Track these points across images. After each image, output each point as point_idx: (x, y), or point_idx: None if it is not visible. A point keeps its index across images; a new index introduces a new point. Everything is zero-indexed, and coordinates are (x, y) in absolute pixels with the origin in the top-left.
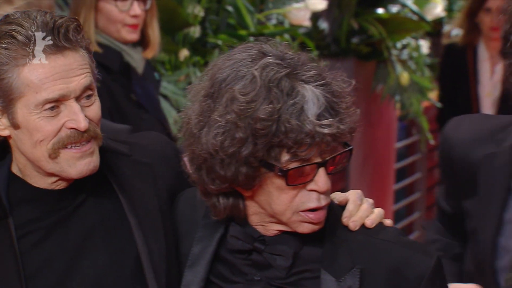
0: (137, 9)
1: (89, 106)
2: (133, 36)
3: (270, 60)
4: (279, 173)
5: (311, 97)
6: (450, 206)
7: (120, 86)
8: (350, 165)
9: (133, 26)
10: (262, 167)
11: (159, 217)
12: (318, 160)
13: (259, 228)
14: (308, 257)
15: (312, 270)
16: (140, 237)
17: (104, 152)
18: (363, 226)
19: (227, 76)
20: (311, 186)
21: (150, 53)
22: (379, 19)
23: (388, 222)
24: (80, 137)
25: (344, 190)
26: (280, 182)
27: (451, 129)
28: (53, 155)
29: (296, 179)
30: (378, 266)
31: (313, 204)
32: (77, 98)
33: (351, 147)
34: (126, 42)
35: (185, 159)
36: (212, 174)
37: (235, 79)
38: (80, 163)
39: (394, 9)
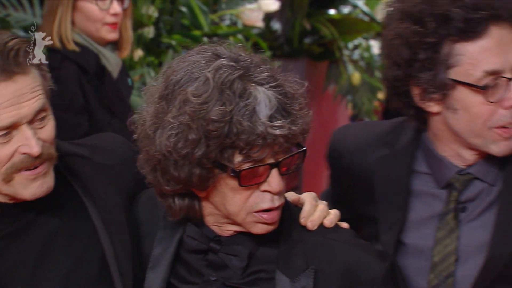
0: (117, 7)
1: (42, 127)
2: (113, 35)
3: (224, 62)
4: (232, 174)
5: (263, 98)
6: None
7: (93, 88)
8: (303, 163)
9: (113, 25)
10: (216, 168)
11: (124, 218)
12: (271, 161)
13: (215, 229)
14: (263, 257)
15: (267, 270)
16: (105, 239)
17: (64, 156)
18: (318, 227)
19: (181, 78)
20: (264, 187)
21: (124, 53)
22: (331, 20)
23: (344, 225)
24: (33, 161)
25: (297, 188)
26: (233, 183)
27: (338, 139)
28: (7, 179)
29: (249, 180)
30: (332, 267)
31: (266, 205)
32: (30, 121)
33: (304, 148)
34: (105, 42)
35: (141, 160)
36: (167, 175)
37: (189, 81)
38: (33, 185)
39: (346, 10)
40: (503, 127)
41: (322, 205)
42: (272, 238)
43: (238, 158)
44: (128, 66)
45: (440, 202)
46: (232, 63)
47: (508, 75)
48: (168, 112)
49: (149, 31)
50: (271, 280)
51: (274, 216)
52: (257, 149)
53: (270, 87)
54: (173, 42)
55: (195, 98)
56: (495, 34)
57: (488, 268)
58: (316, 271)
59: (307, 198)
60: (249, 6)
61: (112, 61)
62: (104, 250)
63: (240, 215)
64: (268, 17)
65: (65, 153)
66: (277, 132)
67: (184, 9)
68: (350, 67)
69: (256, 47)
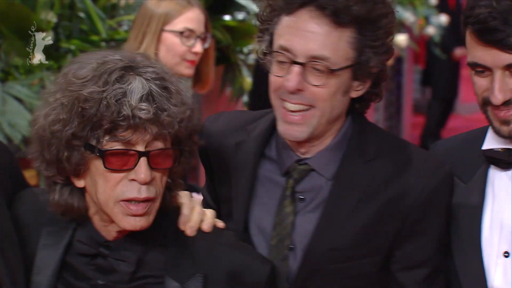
0: (199, 46)
1: None
2: (190, 71)
3: (116, 57)
4: (98, 154)
5: (137, 85)
6: (211, 199)
7: None
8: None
9: (192, 62)
10: (85, 150)
11: (12, 228)
12: (140, 149)
13: (103, 232)
14: (152, 262)
15: (156, 275)
16: None
17: None
18: (201, 230)
19: (74, 68)
20: (131, 175)
21: (204, 89)
22: (226, 26)
23: (220, 224)
24: None
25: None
26: (102, 167)
27: (210, 122)
28: None
29: (116, 164)
30: (219, 271)
31: (132, 194)
32: None
33: (180, 147)
34: (180, 76)
35: (31, 147)
36: (43, 157)
37: (78, 69)
38: None
39: (240, 16)
40: (289, 111)
41: (198, 206)
42: (161, 244)
43: (105, 138)
44: (27, 69)
45: (280, 189)
46: (122, 58)
47: (298, 59)
48: (54, 95)
49: (48, 36)
50: (160, 285)
51: (141, 208)
52: (122, 130)
53: (150, 78)
54: (72, 47)
55: (76, 80)
56: (303, 17)
57: (305, 261)
58: (205, 276)
59: (184, 200)
60: None
61: None
62: None
63: (108, 205)
64: None
65: None
66: (141, 114)
67: (82, 15)
68: (246, 71)
69: None
